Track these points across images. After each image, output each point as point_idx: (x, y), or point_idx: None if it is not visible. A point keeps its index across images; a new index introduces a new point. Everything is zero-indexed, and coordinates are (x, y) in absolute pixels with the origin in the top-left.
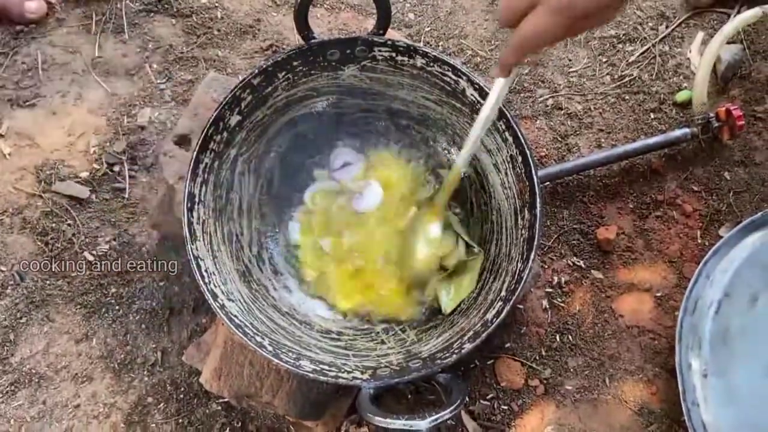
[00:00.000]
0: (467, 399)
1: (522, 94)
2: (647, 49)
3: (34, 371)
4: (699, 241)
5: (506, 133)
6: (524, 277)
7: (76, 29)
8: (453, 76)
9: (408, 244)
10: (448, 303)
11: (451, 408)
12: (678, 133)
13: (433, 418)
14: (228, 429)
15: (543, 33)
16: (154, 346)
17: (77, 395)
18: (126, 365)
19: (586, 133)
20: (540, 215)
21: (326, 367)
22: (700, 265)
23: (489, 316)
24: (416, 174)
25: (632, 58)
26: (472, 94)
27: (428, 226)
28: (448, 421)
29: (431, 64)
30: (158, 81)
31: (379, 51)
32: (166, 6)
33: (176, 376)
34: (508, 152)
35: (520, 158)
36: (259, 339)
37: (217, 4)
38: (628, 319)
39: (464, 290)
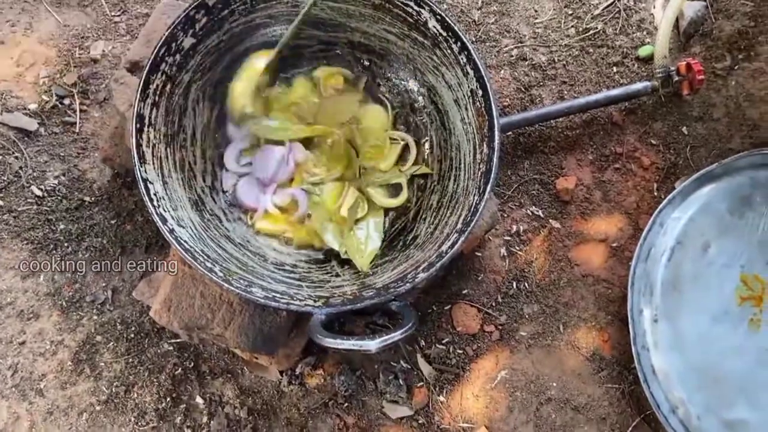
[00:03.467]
0: (423, 339)
1: (487, 44)
2: (612, 3)
3: None
4: (655, 193)
5: (467, 67)
6: (480, 209)
7: None
8: (415, 7)
9: None
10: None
11: (401, 330)
12: (639, 86)
13: (382, 339)
14: (180, 369)
15: None
16: (104, 284)
17: (23, 332)
18: (74, 303)
19: (550, 85)
20: (498, 147)
21: (278, 295)
22: (655, 213)
23: (444, 248)
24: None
25: (597, 12)
26: (434, 26)
27: None
28: (399, 343)
29: None
30: (113, 13)
31: None
32: None
33: (127, 315)
34: (468, 87)
35: (480, 92)
36: (209, 264)
37: None
38: (583, 269)
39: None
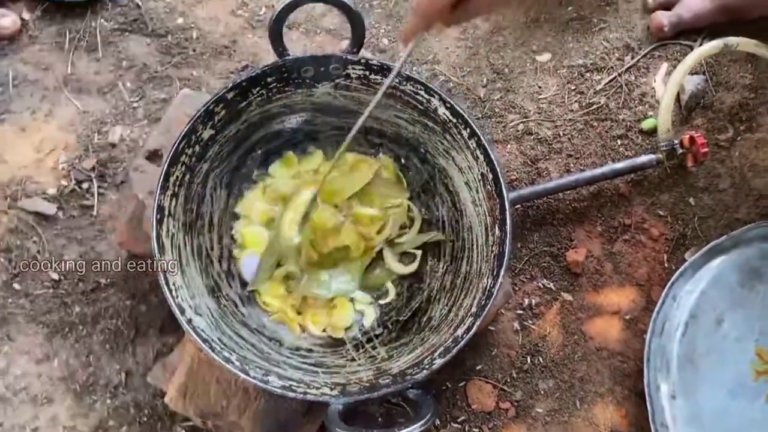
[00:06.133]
0: (437, 419)
1: (493, 119)
2: (614, 79)
3: None
4: (666, 264)
5: (477, 152)
6: (494, 293)
7: (48, 46)
8: (425, 95)
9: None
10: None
11: (421, 423)
12: (644, 159)
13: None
14: None
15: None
16: (118, 367)
17: (36, 417)
18: (88, 387)
19: (556, 158)
20: (510, 232)
21: (294, 383)
22: (667, 287)
23: (459, 332)
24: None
25: (599, 87)
26: (444, 113)
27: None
28: None
29: (404, 83)
30: (131, 99)
31: (353, 69)
32: (141, 25)
33: (140, 398)
34: (479, 170)
35: (490, 176)
36: (226, 354)
37: (192, 25)
38: (597, 342)
39: None
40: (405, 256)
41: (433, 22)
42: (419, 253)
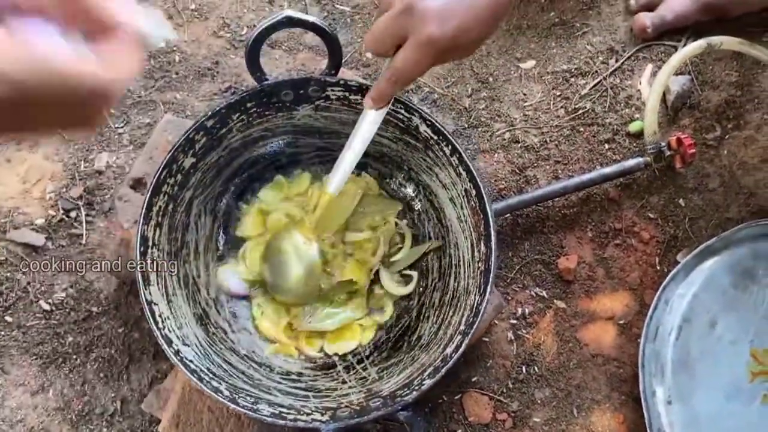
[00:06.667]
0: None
1: (479, 129)
2: (599, 82)
3: None
4: (658, 267)
5: (460, 168)
6: (481, 310)
7: None
8: (406, 113)
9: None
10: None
11: None
12: (632, 162)
13: None
14: None
15: (415, 65)
16: (113, 395)
17: None
18: (84, 416)
19: (544, 165)
20: (495, 248)
21: (285, 410)
22: (659, 291)
23: (449, 350)
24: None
25: (585, 92)
26: (425, 131)
27: (303, 247)
28: None
29: None
30: (116, 125)
31: (332, 91)
32: None
33: (136, 425)
34: (462, 186)
35: (474, 192)
36: (215, 384)
37: (174, 48)
38: (592, 348)
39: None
40: (401, 277)
41: (413, 80)
42: (415, 274)
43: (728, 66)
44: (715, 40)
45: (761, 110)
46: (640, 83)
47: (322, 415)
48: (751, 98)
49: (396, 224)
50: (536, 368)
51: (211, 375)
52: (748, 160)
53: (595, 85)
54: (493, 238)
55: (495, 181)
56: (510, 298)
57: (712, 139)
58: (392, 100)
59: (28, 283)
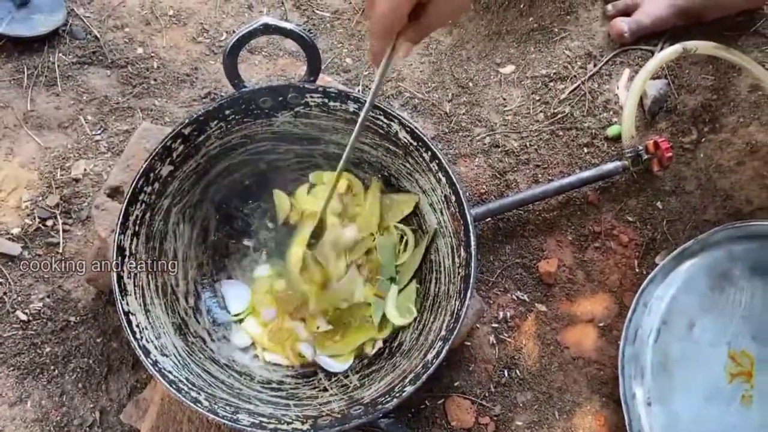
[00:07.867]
0: None
1: (460, 134)
2: (577, 87)
3: None
4: (637, 270)
5: (439, 174)
6: (462, 316)
7: (7, 84)
8: (385, 120)
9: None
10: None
11: None
12: (610, 166)
13: None
14: None
15: (392, 8)
16: (92, 406)
17: None
18: (62, 428)
19: (524, 169)
20: (475, 253)
21: (265, 419)
22: (637, 294)
23: (429, 356)
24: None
25: (563, 96)
26: (404, 137)
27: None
28: None
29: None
30: (93, 132)
31: (311, 97)
32: (100, 58)
33: None
34: (442, 192)
35: (453, 197)
36: (194, 394)
37: (153, 54)
38: (573, 351)
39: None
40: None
41: (393, 39)
42: (415, 310)
43: (704, 70)
44: (691, 44)
45: (737, 113)
46: (618, 87)
47: (303, 423)
48: (727, 102)
49: (396, 227)
50: (518, 372)
51: (190, 385)
52: (724, 162)
53: (573, 90)
54: (473, 243)
55: (476, 185)
56: (491, 301)
57: (689, 142)
58: (388, 64)
59: (5, 293)
